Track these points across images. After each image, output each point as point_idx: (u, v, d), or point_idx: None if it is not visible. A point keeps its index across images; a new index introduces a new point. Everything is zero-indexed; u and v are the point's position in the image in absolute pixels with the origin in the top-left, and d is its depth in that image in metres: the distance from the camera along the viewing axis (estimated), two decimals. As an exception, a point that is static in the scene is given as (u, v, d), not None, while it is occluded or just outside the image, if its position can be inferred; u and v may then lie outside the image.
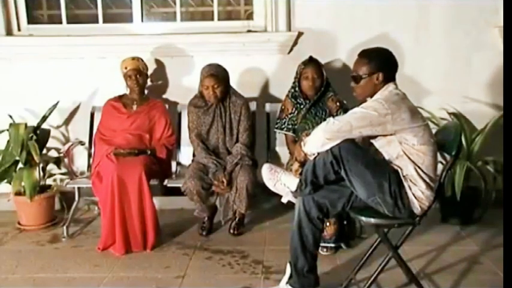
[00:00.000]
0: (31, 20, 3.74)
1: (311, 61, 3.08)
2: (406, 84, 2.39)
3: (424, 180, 2.15)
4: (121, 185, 2.90)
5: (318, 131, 2.20)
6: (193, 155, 3.26)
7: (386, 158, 2.20)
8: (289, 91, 3.19)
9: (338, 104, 3.10)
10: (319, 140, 2.17)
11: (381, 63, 2.25)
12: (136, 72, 3.30)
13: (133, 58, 3.32)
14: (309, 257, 2.28)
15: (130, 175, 2.93)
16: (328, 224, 2.84)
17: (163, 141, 3.32)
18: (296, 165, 2.36)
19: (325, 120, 3.03)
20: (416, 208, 2.16)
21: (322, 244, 2.76)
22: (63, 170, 3.63)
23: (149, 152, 3.20)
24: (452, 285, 2.52)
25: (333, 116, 3.06)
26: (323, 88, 3.10)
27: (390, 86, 2.24)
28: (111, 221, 2.92)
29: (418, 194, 2.15)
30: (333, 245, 2.87)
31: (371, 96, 2.26)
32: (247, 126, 3.20)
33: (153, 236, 3.00)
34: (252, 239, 3.16)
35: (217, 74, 3.09)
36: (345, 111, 3.08)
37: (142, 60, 3.36)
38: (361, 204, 2.22)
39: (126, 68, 3.30)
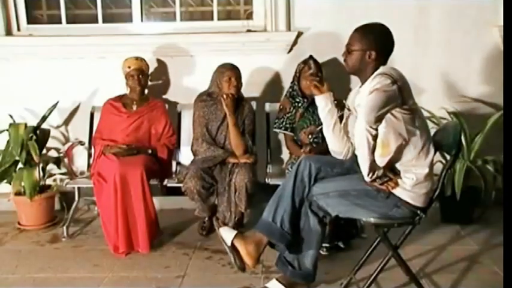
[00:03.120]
0: (31, 20, 3.74)
1: (310, 60, 3.08)
2: (405, 84, 2.38)
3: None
4: (123, 184, 2.90)
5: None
6: (194, 154, 3.25)
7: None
8: (287, 90, 3.19)
9: (336, 102, 3.09)
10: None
11: (375, 41, 2.21)
12: (139, 72, 3.30)
13: (136, 58, 3.32)
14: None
15: (132, 174, 2.92)
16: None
17: (165, 141, 3.32)
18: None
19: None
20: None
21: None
22: (63, 170, 3.63)
23: (150, 152, 3.20)
24: (452, 285, 2.53)
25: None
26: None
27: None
28: (114, 221, 2.91)
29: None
30: (327, 244, 2.86)
31: (358, 72, 2.24)
32: (249, 129, 3.24)
33: (153, 236, 3.00)
34: (252, 239, 3.16)
35: (237, 67, 3.17)
36: (343, 109, 3.08)
37: (144, 61, 3.36)
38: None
39: (129, 67, 3.29)
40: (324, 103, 2.38)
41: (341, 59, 3.51)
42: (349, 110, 2.39)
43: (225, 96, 3.10)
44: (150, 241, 2.97)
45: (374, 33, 2.22)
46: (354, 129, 2.19)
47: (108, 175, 2.95)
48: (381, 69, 2.17)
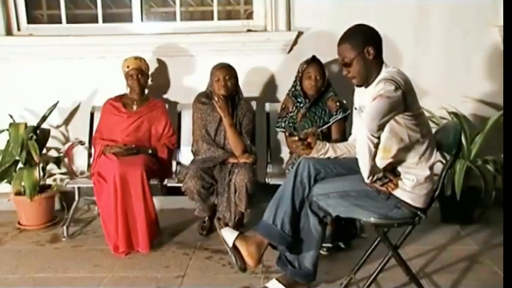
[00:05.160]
0: (31, 19, 3.74)
1: (314, 60, 3.08)
2: (405, 84, 2.38)
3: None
4: (124, 184, 2.90)
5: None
6: (194, 154, 3.25)
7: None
8: (289, 90, 3.19)
9: (338, 104, 3.10)
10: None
11: (364, 37, 2.19)
12: (138, 72, 3.29)
13: (136, 58, 3.32)
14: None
15: (133, 174, 2.92)
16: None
17: (165, 141, 3.32)
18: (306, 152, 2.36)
19: (324, 120, 3.07)
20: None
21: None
22: (63, 170, 3.63)
23: (150, 152, 3.21)
24: (452, 285, 2.53)
25: (333, 116, 3.08)
26: (323, 88, 3.10)
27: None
28: (114, 221, 2.91)
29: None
30: (330, 245, 2.87)
31: (369, 78, 2.20)
32: (247, 128, 3.23)
33: (153, 236, 3.00)
34: (252, 239, 3.16)
35: (229, 67, 3.15)
36: (345, 111, 3.09)
37: (144, 61, 3.36)
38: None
39: (128, 67, 3.29)
40: (316, 156, 2.36)
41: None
42: (355, 108, 2.39)
43: (216, 98, 3.10)
44: (150, 241, 2.97)
45: (357, 33, 2.21)
46: (357, 130, 2.19)
47: (108, 175, 2.95)
48: (386, 73, 2.15)
